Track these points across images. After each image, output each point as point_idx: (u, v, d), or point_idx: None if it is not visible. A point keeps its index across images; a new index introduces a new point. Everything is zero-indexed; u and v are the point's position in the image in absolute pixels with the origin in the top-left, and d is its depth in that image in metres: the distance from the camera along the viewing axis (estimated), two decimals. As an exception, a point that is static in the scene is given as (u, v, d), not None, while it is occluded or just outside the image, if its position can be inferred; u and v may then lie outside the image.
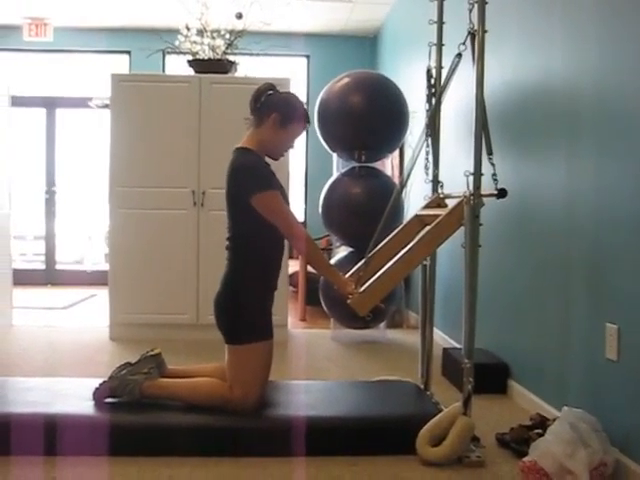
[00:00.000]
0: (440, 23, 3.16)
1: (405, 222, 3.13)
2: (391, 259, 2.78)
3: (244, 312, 2.77)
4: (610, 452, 2.39)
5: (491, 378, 3.46)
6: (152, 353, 2.89)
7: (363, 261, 2.95)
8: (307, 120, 2.93)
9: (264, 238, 2.82)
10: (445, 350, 3.98)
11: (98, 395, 2.80)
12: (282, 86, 4.65)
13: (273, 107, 2.82)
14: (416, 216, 3.09)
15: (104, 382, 2.81)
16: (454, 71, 2.92)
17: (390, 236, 3.05)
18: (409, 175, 3.05)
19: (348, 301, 2.72)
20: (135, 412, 2.72)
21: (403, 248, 2.81)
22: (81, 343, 4.67)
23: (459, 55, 2.86)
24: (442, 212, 2.80)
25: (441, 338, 4.65)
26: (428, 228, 2.79)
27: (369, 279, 2.74)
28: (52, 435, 2.55)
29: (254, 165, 2.79)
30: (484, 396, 3.26)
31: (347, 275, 2.94)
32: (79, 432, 2.59)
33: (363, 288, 2.71)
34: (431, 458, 2.54)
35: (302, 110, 2.90)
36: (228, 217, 2.84)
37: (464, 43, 2.79)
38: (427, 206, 3.11)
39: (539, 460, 2.40)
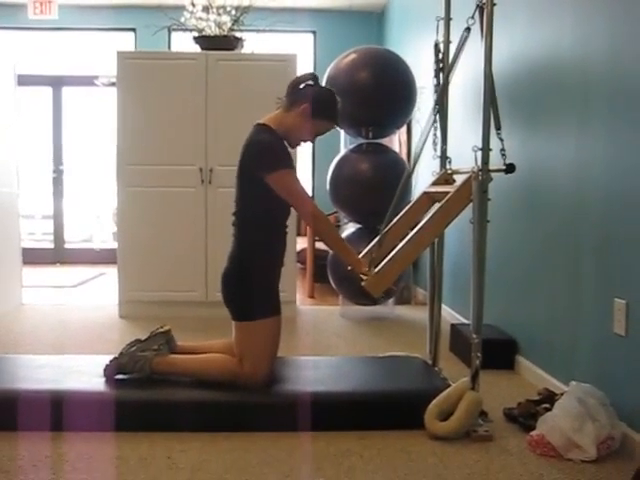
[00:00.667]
0: (448, -3, 3.13)
1: (414, 200, 3.13)
2: (402, 238, 2.79)
3: (252, 288, 2.78)
4: (617, 426, 2.41)
5: (499, 353, 3.47)
6: (162, 330, 2.91)
7: (376, 240, 2.94)
8: (336, 122, 2.92)
9: (272, 215, 2.82)
10: (453, 326, 3.99)
11: (108, 372, 2.82)
12: (289, 62, 4.70)
13: (308, 97, 2.81)
14: (425, 193, 3.08)
15: (114, 359, 2.84)
16: (463, 46, 2.89)
17: (400, 215, 3.04)
18: (419, 156, 3.02)
19: (362, 283, 2.72)
20: (145, 388, 2.74)
21: (413, 226, 2.81)
22: (91, 321, 4.71)
23: (468, 29, 2.82)
24: (451, 189, 2.79)
25: (449, 314, 4.66)
26: (438, 206, 2.78)
27: (382, 260, 2.74)
28: (63, 412, 2.58)
29: (272, 143, 2.78)
30: (492, 371, 3.28)
31: (360, 255, 2.94)
32: (90, 408, 2.62)
33: (376, 270, 2.72)
34: (439, 432, 2.56)
35: (334, 110, 2.88)
36: (237, 191, 2.84)
37: (472, 17, 2.76)
38: (435, 182, 3.11)
39: (547, 434, 2.42)
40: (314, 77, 2.88)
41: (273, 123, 2.83)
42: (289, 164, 2.78)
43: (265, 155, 2.75)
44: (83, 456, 2.36)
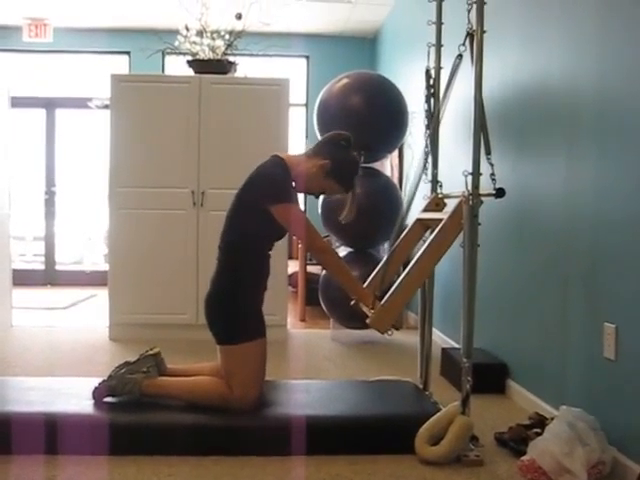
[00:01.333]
0: (439, 24, 3.17)
1: (408, 228, 3.14)
2: (401, 267, 2.79)
3: (235, 312, 2.77)
4: (608, 451, 2.40)
5: (490, 378, 3.47)
6: (151, 352, 2.90)
7: (376, 273, 2.95)
8: (346, 190, 2.93)
9: (260, 241, 2.84)
10: (444, 350, 3.99)
11: (97, 394, 2.80)
12: (282, 86, 4.73)
13: (331, 156, 2.84)
14: (418, 220, 3.09)
15: (103, 381, 2.82)
16: (455, 73, 2.91)
17: (395, 244, 3.06)
18: (414, 195, 3.03)
19: (367, 321, 2.73)
20: (134, 411, 2.72)
21: (410, 256, 2.81)
22: (81, 343, 4.68)
23: (460, 56, 2.86)
24: (443, 215, 2.81)
25: (440, 338, 4.66)
26: (432, 236, 2.79)
27: (384, 294, 2.75)
28: (52, 434, 2.55)
29: (284, 178, 2.82)
30: (483, 395, 3.27)
31: (364, 285, 2.94)
32: (79, 431, 2.59)
33: (380, 305, 2.72)
34: (430, 457, 2.55)
35: (350, 179, 2.90)
36: (231, 215, 2.84)
37: (463, 44, 2.80)
38: (426, 207, 3.12)
39: (537, 459, 2.42)
40: (349, 140, 2.90)
41: (290, 162, 2.86)
42: (296, 200, 2.82)
43: (275, 187, 2.77)
44: (70, 480, 2.34)
